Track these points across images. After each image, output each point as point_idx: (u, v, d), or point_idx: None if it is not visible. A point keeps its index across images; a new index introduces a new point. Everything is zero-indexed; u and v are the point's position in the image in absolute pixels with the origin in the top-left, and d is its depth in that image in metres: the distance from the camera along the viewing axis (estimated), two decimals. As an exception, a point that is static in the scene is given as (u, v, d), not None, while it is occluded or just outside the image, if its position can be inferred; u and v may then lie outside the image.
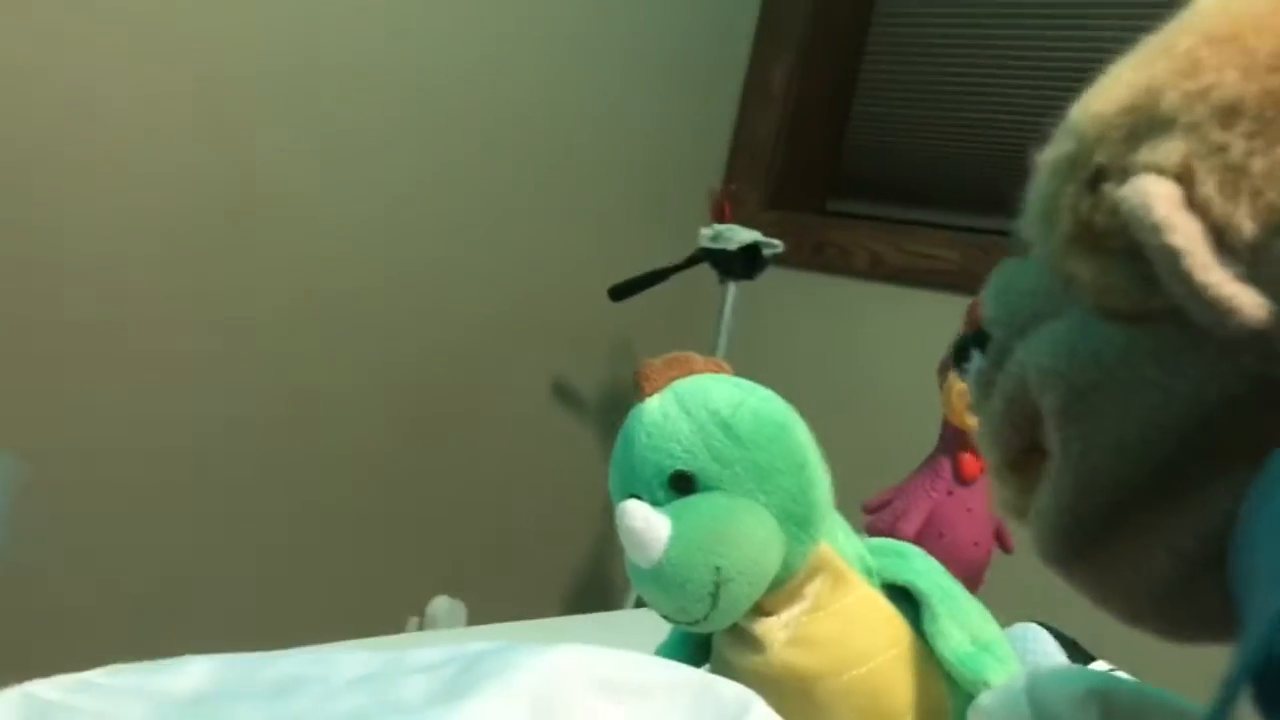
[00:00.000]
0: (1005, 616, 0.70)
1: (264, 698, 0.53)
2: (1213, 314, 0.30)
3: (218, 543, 1.47)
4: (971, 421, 0.99)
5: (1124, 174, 0.33)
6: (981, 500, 0.96)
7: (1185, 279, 0.31)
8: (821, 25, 1.86)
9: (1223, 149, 0.32)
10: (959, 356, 0.44)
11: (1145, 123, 0.34)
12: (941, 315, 1.28)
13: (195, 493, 1.44)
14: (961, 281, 1.63)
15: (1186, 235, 0.31)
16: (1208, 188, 0.31)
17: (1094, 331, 0.35)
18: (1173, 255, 0.31)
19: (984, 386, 0.42)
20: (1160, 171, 0.32)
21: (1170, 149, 0.32)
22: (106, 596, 1.38)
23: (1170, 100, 0.33)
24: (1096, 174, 0.35)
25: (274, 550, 1.53)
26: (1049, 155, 0.38)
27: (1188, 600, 0.34)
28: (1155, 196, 0.32)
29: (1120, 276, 0.34)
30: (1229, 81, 0.32)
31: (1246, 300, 0.30)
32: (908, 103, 1.87)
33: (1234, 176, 0.31)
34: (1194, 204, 0.32)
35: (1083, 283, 0.35)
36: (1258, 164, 0.31)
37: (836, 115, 1.93)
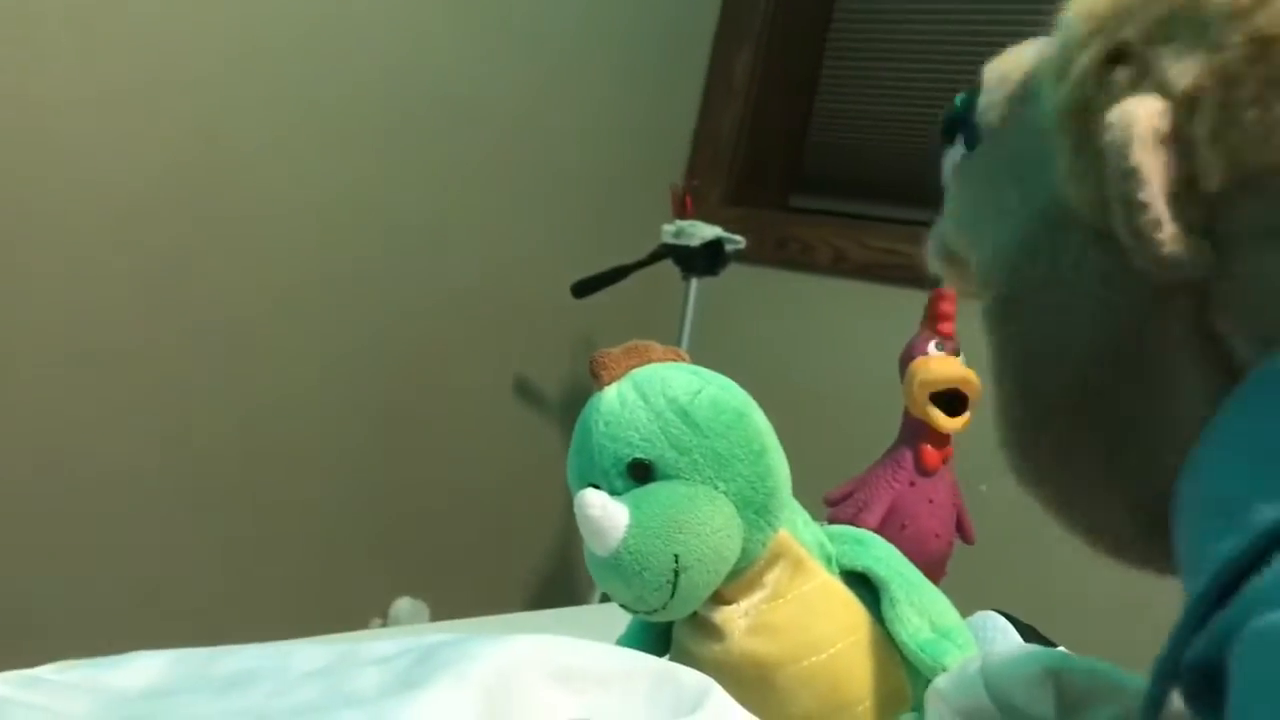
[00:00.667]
0: (966, 607, 0.71)
1: (215, 692, 0.52)
2: (1152, 264, 0.30)
3: (180, 544, 1.45)
4: (935, 415, 1.00)
5: (1142, 65, 0.31)
6: (943, 491, 0.96)
7: (1132, 227, 0.30)
8: (782, 20, 1.86)
9: (1235, 85, 0.29)
10: (952, 128, 0.42)
11: (1187, 17, 0.30)
12: (903, 310, 1.28)
13: (157, 494, 1.43)
14: (923, 277, 1.64)
15: (1150, 187, 0.29)
16: (1203, 125, 0.29)
17: (1056, 230, 0.33)
18: (1129, 203, 0.30)
19: (955, 177, 0.41)
20: (1165, 89, 0.30)
21: (1189, 67, 0.30)
22: (71, 595, 1.35)
23: (1214, 3, 0.30)
24: (1118, 50, 0.32)
25: (236, 552, 1.51)
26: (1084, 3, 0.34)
27: (1153, 544, 0.32)
28: (1139, 135, 0.30)
29: (1088, 185, 0.32)
30: (1273, 10, 0.29)
31: (1187, 255, 0.29)
32: (870, 98, 1.88)
33: (1230, 121, 0.29)
34: (1181, 139, 0.30)
35: (1060, 165, 0.33)
36: (1254, 114, 0.29)
37: (798, 111, 1.94)
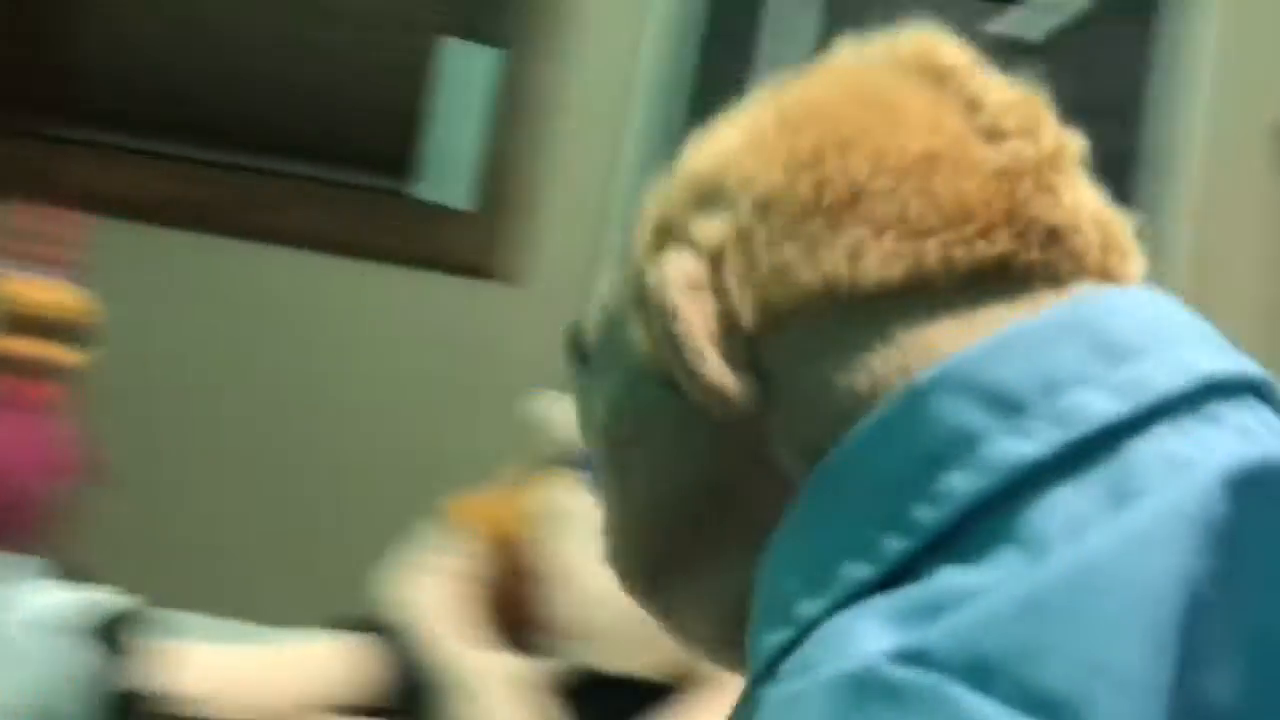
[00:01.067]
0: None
1: None
2: (703, 397, 0.33)
3: None
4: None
5: (681, 234, 0.35)
6: (38, 430, 0.89)
7: (681, 364, 0.33)
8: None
9: (749, 238, 0.34)
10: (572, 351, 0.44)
11: (712, 193, 0.35)
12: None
13: None
14: (179, 214, 1.57)
15: (688, 324, 0.33)
16: (731, 274, 0.33)
17: (640, 389, 0.37)
18: (673, 340, 0.33)
19: (579, 395, 0.42)
20: (697, 247, 0.34)
21: (714, 227, 0.34)
22: None
23: (731, 178, 0.35)
24: (662, 229, 0.36)
25: None
26: (649, 196, 0.38)
27: (736, 649, 0.35)
28: (672, 280, 0.34)
29: (647, 336, 0.35)
30: (772, 173, 0.34)
31: (731, 389, 0.33)
32: (135, 21, 1.75)
33: (750, 267, 0.33)
34: (717, 287, 0.33)
35: (630, 331, 0.36)
36: (767, 259, 0.33)
37: (51, 33, 1.76)
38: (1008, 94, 0.36)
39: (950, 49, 0.37)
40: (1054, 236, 0.33)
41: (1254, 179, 1.52)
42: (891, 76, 0.37)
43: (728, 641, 0.37)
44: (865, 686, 0.26)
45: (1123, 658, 0.24)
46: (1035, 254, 0.33)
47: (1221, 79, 1.53)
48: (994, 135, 0.34)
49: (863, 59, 0.38)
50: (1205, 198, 1.51)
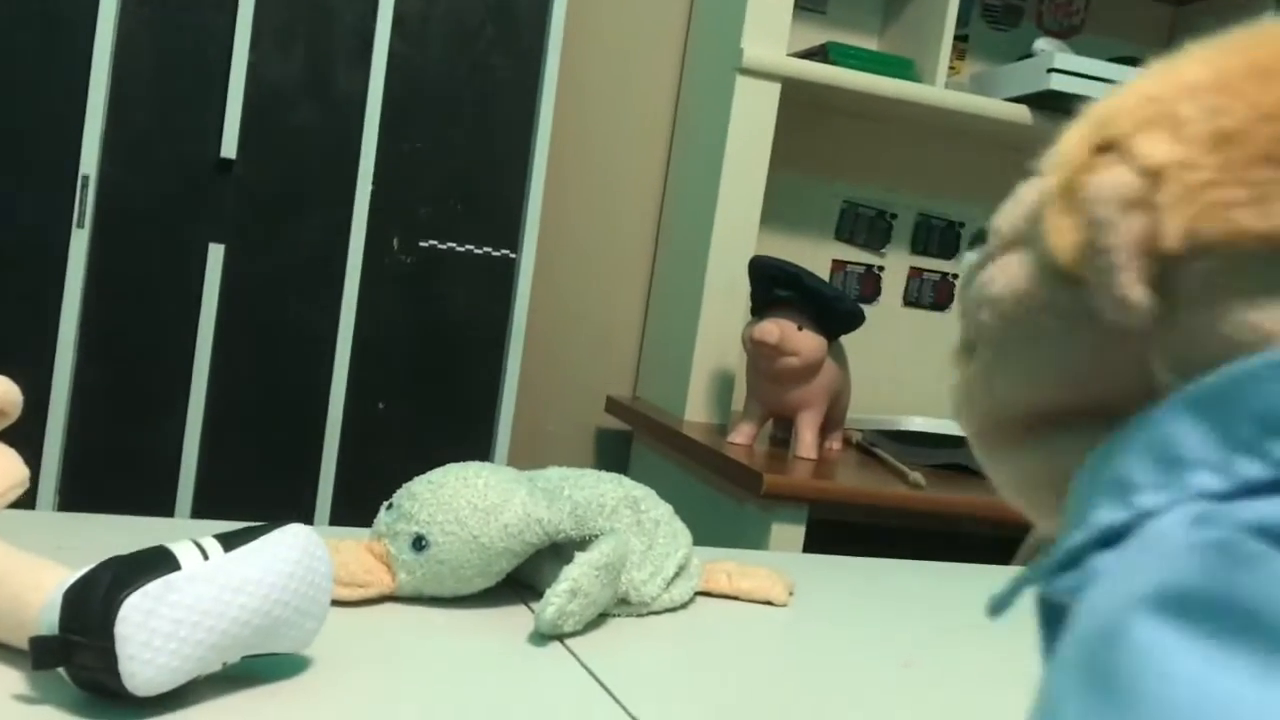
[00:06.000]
0: None
1: None
2: (1110, 304, 0.36)
3: None
4: None
5: (1124, 151, 0.37)
6: None
7: (1098, 273, 0.36)
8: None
9: (1195, 168, 0.35)
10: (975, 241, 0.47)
11: (1166, 116, 0.37)
12: None
13: None
14: None
15: (1118, 236, 0.36)
16: (1166, 195, 0.35)
17: (1040, 278, 0.40)
18: (1098, 251, 0.36)
19: (967, 277, 0.45)
20: (1140, 163, 0.36)
21: (1162, 148, 0.36)
22: None
23: (1188, 107, 0.36)
24: (1105, 136, 0.38)
25: None
26: (1099, 100, 0.40)
27: (1051, 516, 0.39)
28: (1112, 194, 0.36)
29: (1066, 237, 0.37)
30: (1234, 113, 0.36)
31: (1139, 304, 0.36)
32: None
33: (1189, 195, 0.35)
34: (1151, 203, 0.35)
35: (1047, 224, 0.38)
36: (1210, 193, 0.35)
37: None
38: None
39: None
40: None
41: None
42: None
43: (1040, 506, 0.42)
44: (1229, 552, 0.29)
45: None
46: None
47: None
48: None
49: None
50: None
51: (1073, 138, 0.42)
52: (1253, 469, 0.32)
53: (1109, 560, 0.33)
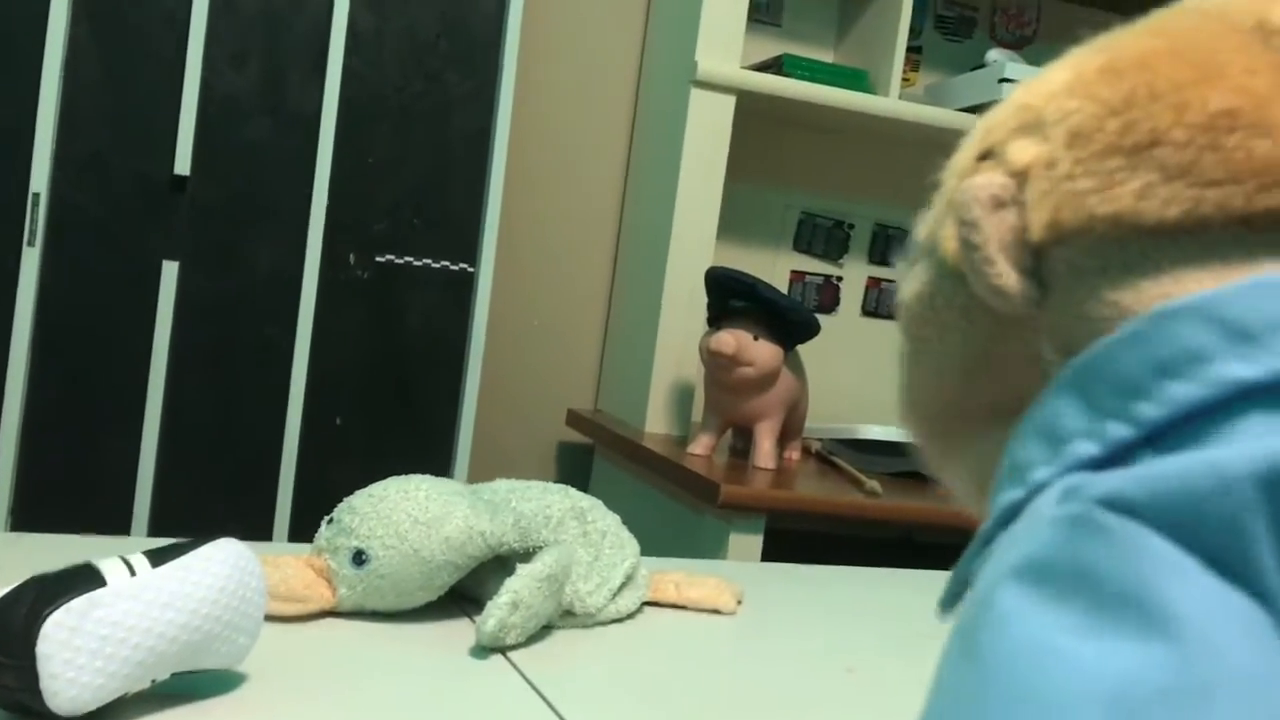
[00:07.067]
0: None
1: None
2: (989, 295, 0.40)
3: None
4: None
5: (1000, 154, 0.42)
6: None
7: (973, 266, 0.40)
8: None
9: (1054, 164, 0.40)
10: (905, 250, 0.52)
11: (1032, 122, 0.42)
12: None
13: None
14: None
15: (984, 236, 0.40)
16: (1032, 192, 0.40)
17: (942, 279, 0.44)
18: (970, 247, 0.40)
19: (900, 274, 0.49)
20: (1009, 165, 0.41)
21: (1027, 150, 0.41)
22: None
23: (1050, 110, 0.41)
24: (985, 146, 0.43)
25: None
26: (983, 116, 0.45)
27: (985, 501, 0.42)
28: (978, 195, 0.41)
29: (952, 239, 0.42)
30: (1086, 111, 0.40)
31: (1013, 290, 0.40)
32: None
33: (1049, 189, 0.39)
34: (1018, 202, 0.40)
35: (944, 235, 0.43)
36: (1066, 185, 0.39)
37: None
38: None
39: None
40: None
41: None
42: (1219, 32, 0.41)
43: (980, 494, 0.46)
44: (1080, 524, 0.32)
45: None
46: None
47: None
48: None
49: (1203, 11, 0.43)
50: None
51: (963, 150, 0.46)
52: (1120, 430, 0.35)
53: (1001, 537, 0.36)
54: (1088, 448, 0.36)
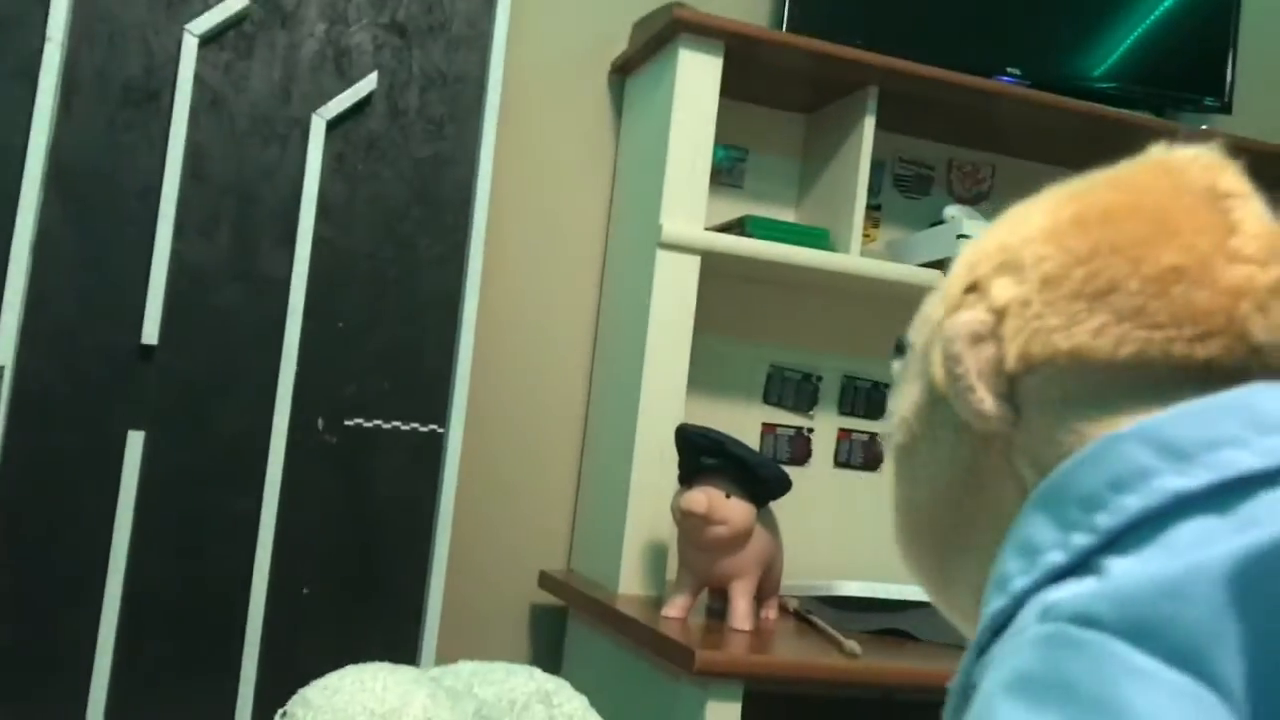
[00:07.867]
0: None
1: None
2: (971, 418, 0.46)
3: None
4: None
5: (984, 291, 0.47)
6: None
7: (956, 393, 0.46)
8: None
9: (1028, 304, 0.45)
10: (896, 350, 0.56)
11: (1012, 263, 0.47)
12: None
13: None
14: None
15: (966, 367, 0.46)
16: (1008, 328, 0.45)
17: (931, 401, 0.49)
18: (953, 376, 0.46)
19: (895, 381, 0.54)
20: (991, 302, 0.46)
21: (1006, 291, 0.46)
22: None
23: (1027, 254, 0.47)
24: (971, 280, 0.48)
25: None
26: (968, 248, 0.51)
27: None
28: (961, 332, 0.46)
29: (940, 367, 0.46)
30: (1057, 260, 0.46)
31: (991, 413, 0.46)
32: None
33: (1023, 325, 0.45)
34: (997, 334, 0.45)
35: (933, 360, 0.47)
36: (1036, 323, 0.45)
37: None
38: (1263, 224, 0.45)
39: (1233, 177, 0.47)
40: (1256, 351, 0.43)
41: None
42: (1176, 193, 0.47)
43: (975, 606, 0.49)
44: (1056, 641, 0.37)
45: (1232, 628, 0.35)
46: (1237, 361, 0.43)
47: None
48: (1236, 258, 0.44)
49: (1164, 170, 0.48)
50: None
51: (954, 278, 0.52)
52: (1083, 540, 0.41)
53: (995, 648, 0.41)
54: (1058, 557, 0.41)
